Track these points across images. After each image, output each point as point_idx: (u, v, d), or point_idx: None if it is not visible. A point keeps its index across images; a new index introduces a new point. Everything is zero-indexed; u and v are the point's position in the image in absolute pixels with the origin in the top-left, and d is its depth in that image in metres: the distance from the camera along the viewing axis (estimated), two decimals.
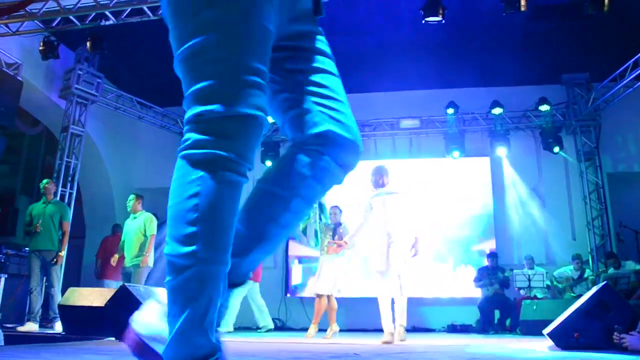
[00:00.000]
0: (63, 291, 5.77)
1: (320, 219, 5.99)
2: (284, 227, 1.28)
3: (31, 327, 5.78)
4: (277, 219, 1.26)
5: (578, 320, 3.57)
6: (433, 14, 6.58)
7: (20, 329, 5.72)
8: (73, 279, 8.52)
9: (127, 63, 9.03)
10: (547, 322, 4.12)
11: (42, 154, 10.86)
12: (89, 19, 7.25)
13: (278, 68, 1.29)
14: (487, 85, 9.24)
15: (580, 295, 6.11)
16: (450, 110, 9.06)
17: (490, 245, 8.90)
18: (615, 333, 3.23)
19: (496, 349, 3.85)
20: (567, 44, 8.08)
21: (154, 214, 6.69)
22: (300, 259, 9.35)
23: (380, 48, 8.13)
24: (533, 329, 5.86)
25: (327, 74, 1.31)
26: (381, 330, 4.88)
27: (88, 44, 7.70)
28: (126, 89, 9.30)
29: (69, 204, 7.59)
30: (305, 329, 6.17)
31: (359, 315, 8.10)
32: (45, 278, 6.12)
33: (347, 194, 8.98)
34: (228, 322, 6.57)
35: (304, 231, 6.06)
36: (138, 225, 6.42)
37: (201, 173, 1.08)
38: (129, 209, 6.58)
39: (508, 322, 7.56)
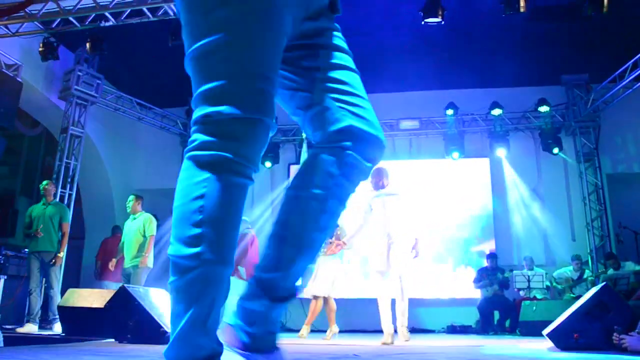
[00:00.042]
0: (62, 292, 5.77)
1: None
2: (323, 230, 1.27)
3: (30, 328, 5.78)
4: (316, 223, 1.25)
5: (577, 321, 3.56)
6: (432, 15, 6.59)
7: (20, 330, 5.71)
8: (72, 280, 8.51)
9: (127, 64, 9.04)
10: (546, 323, 4.12)
11: (42, 155, 10.85)
12: (89, 20, 7.25)
13: (295, 66, 1.28)
14: (486, 86, 9.25)
15: (579, 296, 6.11)
16: (450, 111, 9.07)
17: (489, 246, 8.91)
18: (615, 334, 3.23)
19: (505, 351, 3.84)
20: (567, 45, 8.09)
21: (154, 215, 6.70)
22: None
23: (379, 49, 8.13)
24: (533, 329, 5.86)
25: (345, 70, 1.30)
26: (381, 331, 4.87)
27: (88, 45, 7.71)
28: (126, 90, 9.31)
29: (68, 205, 7.59)
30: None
31: (359, 316, 8.10)
32: (44, 279, 6.11)
33: None
34: None
35: None
36: (137, 226, 6.41)
37: (207, 175, 1.07)
38: (128, 210, 6.57)
39: (507, 322, 7.56)
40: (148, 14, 7.04)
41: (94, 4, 6.95)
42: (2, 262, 6.71)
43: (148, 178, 10.20)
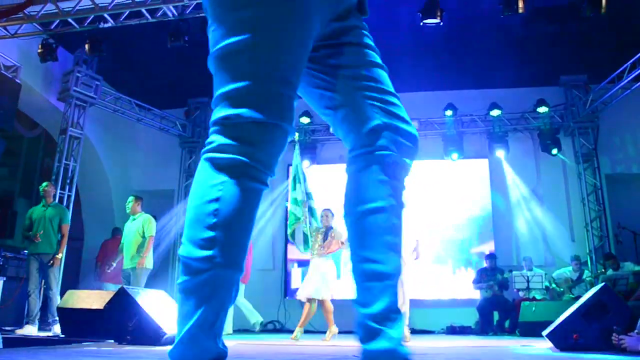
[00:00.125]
0: (62, 294, 5.76)
1: (310, 222, 5.92)
2: (399, 235, 1.27)
3: (30, 329, 5.77)
4: (392, 233, 1.25)
5: (577, 322, 3.57)
6: (431, 16, 6.60)
7: (19, 331, 5.70)
8: (72, 282, 8.50)
9: (126, 65, 9.04)
10: (546, 324, 4.13)
11: (41, 157, 10.84)
12: (88, 21, 7.25)
13: (322, 65, 1.27)
14: (485, 87, 9.26)
15: (579, 297, 6.11)
16: (449, 112, 9.07)
17: (489, 246, 8.91)
18: (614, 334, 3.23)
19: (504, 352, 3.84)
20: (565, 46, 8.10)
21: (153, 216, 6.69)
22: (300, 263, 9.34)
23: (378, 50, 8.14)
24: (532, 330, 5.86)
25: (372, 67, 1.29)
26: None
27: (86, 46, 7.71)
28: (125, 91, 9.30)
29: (67, 207, 7.58)
30: (305, 331, 6.17)
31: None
32: (43, 281, 6.10)
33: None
34: (227, 324, 6.56)
35: (292, 235, 5.98)
36: (137, 227, 6.40)
37: (224, 178, 1.07)
38: (128, 211, 6.57)
39: (507, 323, 7.56)
40: (147, 15, 7.04)
41: (92, 6, 6.95)
42: (1, 263, 6.70)
43: (147, 179, 10.20)
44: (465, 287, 8.54)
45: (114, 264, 6.65)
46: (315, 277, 5.54)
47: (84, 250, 9.68)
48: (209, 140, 1.12)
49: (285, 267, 9.41)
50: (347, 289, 9.10)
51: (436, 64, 8.61)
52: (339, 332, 5.73)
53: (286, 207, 7.31)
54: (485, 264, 8.19)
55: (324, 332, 5.70)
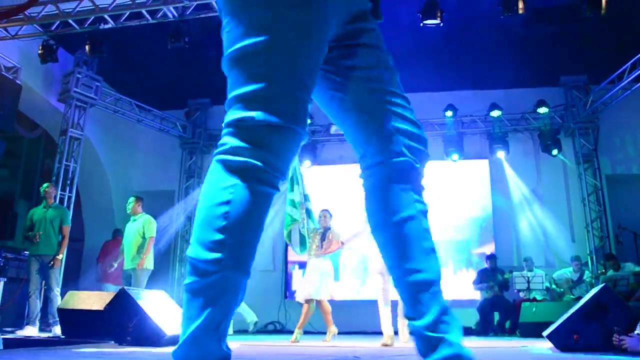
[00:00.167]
0: (62, 295, 5.76)
1: (307, 224, 5.90)
2: (431, 239, 1.28)
3: (30, 330, 5.77)
4: (427, 238, 1.26)
5: (577, 322, 3.57)
6: (431, 17, 6.60)
7: (19, 332, 5.70)
8: (72, 283, 8.50)
9: (126, 66, 9.05)
10: (546, 324, 4.13)
11: (41, 158, 10.84)
12: (88, 22, 7.26)
13: (335, 66, 1.27)
14: (485, 88, 9.26)
15: (579, 297, 6.12)
16: (449, 113, 9.07)
17: (489, 247, 8.91)
18: (615, 335, 3.23)
19: (505, 352, 3.84)
20: (565, 47, 8.11)
21: (153, 217, 6.69)
22: (301, 264, 9.35)
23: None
24: (532, 331, 5.86)
25: (386, 70, 1.29)
26: (380, 333, 4.87)
27: (87, 47, 7.71)
28: (125, 92, 9.31)
29: (68, 208, 7.58)
30: (305, 332, 6.17)
31: (358, 318, 8.09)
32: (44, 282, 6.10)
33: (345, 197, 9.00)
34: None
35: (288, 237, 5.97)
36: (137, 228, 6.40)
37: (235, 181, 1.06)
38: (128, 211, 6.56)
39: (507, 324, 7.56)
40: (147, 16, 7.05)
41: (93, 7, 6.96)
42: (1, 264, 6.69)
43: (147, 180, 10.20)
44: (465, 288, 8.54)
45: (115, 264, 6.65)
46: (314, 277, 5.53)
47: (84, 251, 9.68)
48: (221, 142, 1.10)
49: (286, 268, 9.41)
50: (347, 289, 9.13)
51: (436, 65, 8.61)
52: (339, 333, 5.73)
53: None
54: (485, 265, 8.19)
55: (324, 333, 5.70)
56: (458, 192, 9.21)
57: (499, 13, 6.58)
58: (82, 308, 4.75)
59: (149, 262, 6.29)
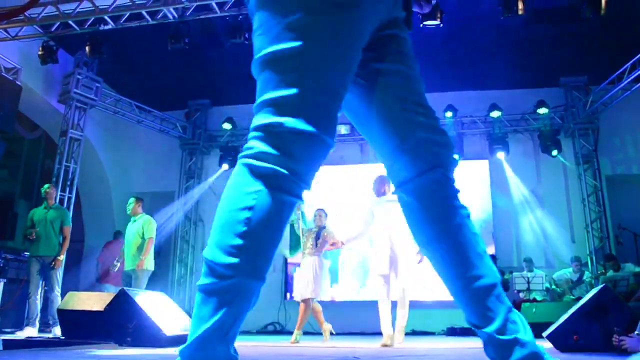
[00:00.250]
0: (62, 295, 5.76)
1: (300, 225, 5.87)
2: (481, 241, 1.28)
3: (30, 331, 5.77)
4: (480, 241, 1.26)
5: (577, 323, 3.57)
6: (431, 17, 6.60)
7: (19, 333, 5.70)
8: (72, 283, 8.50)
9: (126, 67, 9.05)
10: (546, 325, 4.12)
11: (41, 158, 10.85)
12: (88, 23, 7.27)
13: (364, 69, 1.25)
14: (485, 89, 9.27)
15: (579, 298, 6.11)
16: (449, 114, 9.07)
17: (489, 248, 8.90)
18: (615, 335, 3.23)
19: None
20: (565, 47, 8.11)
21: (153, 218, 6.69)
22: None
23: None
24: (532, 331, 5.83)
25: (415, 78, 1.28)
26: (380, 334, 4.87)
27: (87, 48, 7.72)
28: (125, 93, 9.32)
29: (68, 208, 7.59)
30: (305, 333, 6.17)
31: (358, 319, 8.09)
32: (44, 282, 6.10)
33: (346, 197, 9.01)
34: None
35: None
36: (137, 228, 6.39)
37: (260, 187, 1.05)
38: (128, 212, 6.55)
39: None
40: (147, 17, 7.06)
41: (93, 8, 6.97)
42: (1, 265, 6.70)
43: (147, 181, 10.20)
44: None
45: (118, 264, 6.64)
46: (308, 276, 5.53)
47: (84, 252, 9.68)
48: (248, 145, 1.09)
49: (286, 269, 9.41)
50: (346, 290, 9.11)
51: (436, 65, 8.61)
52: (339, 333, 5.73)
53: None
54: None
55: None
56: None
57: (499, 13, 6.59)
58: (82, 309, 4.75)
59: (148, 263, 6.28)
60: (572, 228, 8.87)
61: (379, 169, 5.71)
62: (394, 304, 4.91)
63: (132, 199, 6.60)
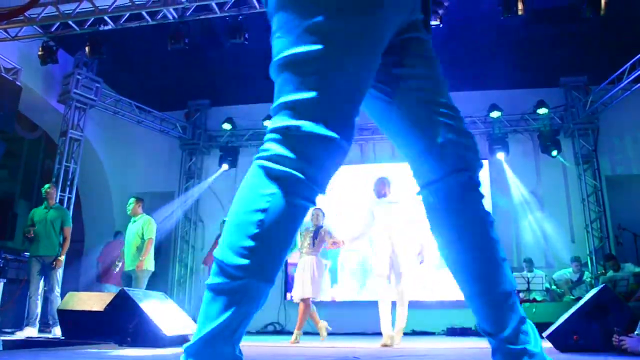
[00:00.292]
0: (62, 295, 5.76)
1: None
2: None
3: (30, 331, 5.77)
4: (500, 247, 1.26)
5: (577, 323, 3.57)
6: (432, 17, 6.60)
7: (19, 333, 5.70)
8: (72, 283, 8.51)
9: (126, 68, 9.06)
10: (546, 325, 4.12)
11: (41, 159, 10.85)
12: (88, 24, 7.27)
13: (386, 74, 1.25)
14: (485, 89, 9.26)
15: (579, 298, 6.11)
16: None
17: None
18: (615, 335, 3.23)
19: None
20: (565, 47, 8.11)
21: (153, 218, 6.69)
22: None
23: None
24: None
25: (438, 80, 1.28)
26: (380, 334, 4.88)
27: (87, 48, 7.72)
28: (125, 93, 9.32)
29: (67, 209, 7.59)
30: (305, 333, 6.17)
31: (358, 319, 8.09)
32: (44, 283, 6.10)
33: (347, 198, 9.00)
34: None
35: None
36: (136, 229, 6.39)
37: (274, 190, 1.04)
38: (129, 212, 6.55)
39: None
40: (147, 17, 7.06)
41: (93, 8, 6.97)
42: (1, 265, 6.70)
43: (147, 181, 10.20)
44: None
45: (119, 264, 6.63)
46: (306, 276, 5.54)
47: (84, 252, 9.68)
48: (264, 147, 1.08)
49: (286, 269, 9.40)
50: (346, 290, 9.06)
51: None
52: (340, 334, 5.73)
53: None
54: None
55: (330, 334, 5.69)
56: None
57: (499, 14, 6.59)
58: (82, 309, 4.75)
59: (148, 263, 6.27)
60: (572, 228, 8.87)
61: (379, 169, 5.71)
62: (394, 304, 4.91)
63: (132, 199, 6.60)
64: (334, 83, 1.06)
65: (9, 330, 6.15)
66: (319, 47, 1.05)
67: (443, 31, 7.16)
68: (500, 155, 9.08)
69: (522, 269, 8.00)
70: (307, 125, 1.04)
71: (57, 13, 7.06)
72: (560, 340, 3.59)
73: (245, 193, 1.08)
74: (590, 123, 8.83)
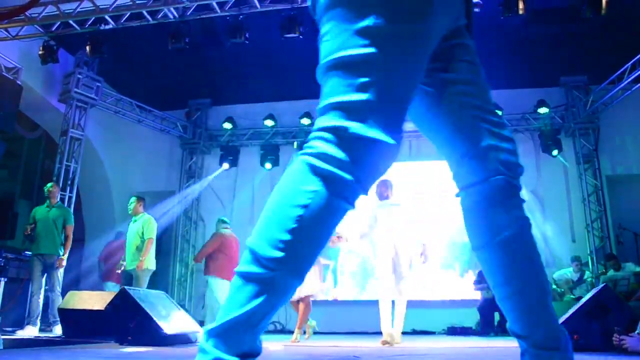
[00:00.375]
0: (62, 294, 5.77)
1: None
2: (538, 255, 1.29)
3: (31, 330, 5.77)
4: (537, 252, 1.28)
5: (577, 322, 3.57)
6: None
7: (20, 332, 5.71)
8: (72, 282, 8.51)
9: (127, 67, 9.06)
10: None
11: (42, 158, 10.86)
12: (89, 23, 7.27)
13: (432, 78, 1.26)
14: None
15: (580, 297, 6.12)
16: None
17: None
18: (615, 334, 3.23)
19: (505, 352, 3.85)
20: (566, 47, 8.11)
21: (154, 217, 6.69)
22: None
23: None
24: None
25: (482, 85, 1.29)
26: (381, 333, 4.88)
27: (87, 48, 7.72)
28: (125, 92, 9.32)
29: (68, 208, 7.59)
30: (305, 332, 6.17)
31: (359, 318, 8.10)
32: (45, 281, 6.10)
33: None
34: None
35: None
36: (137, 228, 6.39)
37: (317, 187, 1.04)
38: (130, 212, 6.55)
39: (508, 324, 7.55)
40: (148, 17, 7.06)
41: (93, 7, 6.97)
42: (2, 264, 6.70)
43: (148, 180, 10.21)
44: (466, 288, 8.53)
45: (123, 263, 6.63)
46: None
47: (84, 251, 9.68)
48: (311, 144, 1.08)
49: None
50: (347, 290, 9.05)
51: None
52: (340, 333, 5.74)
53: None
54: None
55: (325, 333, 5.71)
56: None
57: (499, 13, 6.59)
58: (83, 308, 4.76)
59: (149, 263, 6.27)
60: (572, 228, 8.87)
61: None
62: (394, 304, 4.93)
63: (133, 198, 6.60)
64: (384, 86, 1.06)
65: (10, 329, 6.15)
66: (370, 50, 1.06)
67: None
68: None
69: None
70: (356, 127, 1.04)
71: (57, 12, 7.06)
72: None
73: (287, 187, 1.08)
74: (590, 123, 8.83)
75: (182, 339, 4.26)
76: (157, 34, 7.40)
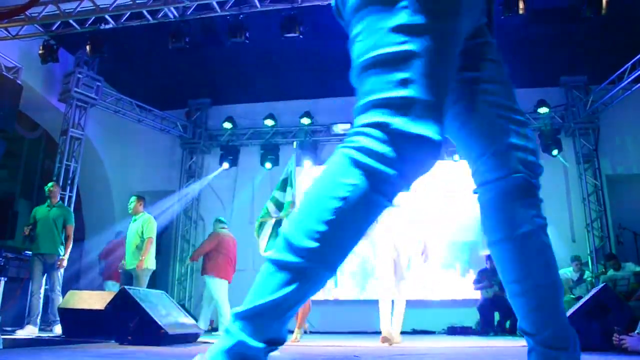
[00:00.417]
0: (63, 294, 5.76)
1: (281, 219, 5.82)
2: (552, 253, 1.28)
3: (31, 330, 5.77)
4: (550, 251, 1.27)
5: (577, 322, 3.57)
6: None
7: (20, 332, 5.71)
8: (72, 282, 8.51)
9: (127, 66, 9.06)
10: None
11: (42, 158, 10.86)
12: (89, 22, 7.27)
13: (457, 76, 1.25)
14: None
15: (580, 297, 6.12)
16: None
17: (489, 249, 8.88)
18: (615, 334, 3.23)
19: (505, 352, 3.85)
20: (566, 47, 8.11)
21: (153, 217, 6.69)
22: None
23: None
24: None
25: (506, 84, 1.29)
26: (380, 333, 4.89)
27: (88, 47, 7.71)
28: (126, 92, 9.32)
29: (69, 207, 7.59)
30: (305, 332, 6.17)
31: (359, 318, 8.09)
32: (45, 281, 6.10)
33: None
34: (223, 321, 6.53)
35: (259, 230, 5.85)
36: (137, 228, 6.39)
37: (358, 181, 1.03)
38: (130, 211, 6.55)
39: (508, 324, 7.56)
40: (148, 16, 7.06)
41: (93, 7, 6.97)
42: (2, 264, 6.70)
43: (148, 180, 10.21)
44: (466, 288, 8.53)
45: (124, 263, 6.64)
46: None
47: (84, 251, 9.68)
48: (352, 138, 1.07)
49: None
50: (347, 289, 9.06)
51: None
52: (341, 333, 5.73)
53: None
54: (486, 265, 8.19)
55: (325, 333, 5.71)
56: (458, 193, 9.19)
57: (499, 13, 6.58)
58: (83, 307, 4.76)
59: (149, 262, 6.28)
60: (572, 227, 8.87)
61: None
62: (394, 303, 4.93)
63: (133, 198, 6.60)
64: (424, 82, 1.06)
65: (10, 328, 6.15)
66: (407, 47, 1.06)
67: None
68: None
69: None
70: (400, 123, 1.03)
71: (58, 12, 7.06)
72: None
73: (327, 178, 1.07)
74: (590, 122, 8.83)
75: (182, 339, 4.26)
76: (157, 33, 7.40)
